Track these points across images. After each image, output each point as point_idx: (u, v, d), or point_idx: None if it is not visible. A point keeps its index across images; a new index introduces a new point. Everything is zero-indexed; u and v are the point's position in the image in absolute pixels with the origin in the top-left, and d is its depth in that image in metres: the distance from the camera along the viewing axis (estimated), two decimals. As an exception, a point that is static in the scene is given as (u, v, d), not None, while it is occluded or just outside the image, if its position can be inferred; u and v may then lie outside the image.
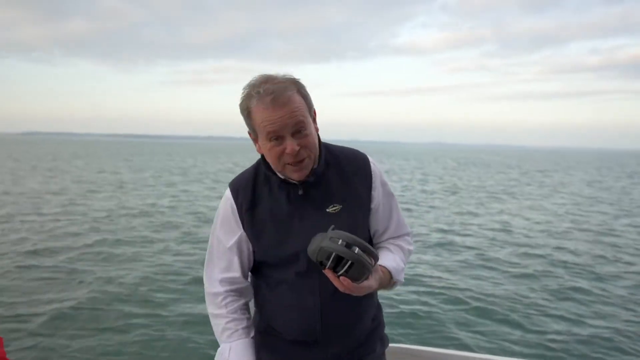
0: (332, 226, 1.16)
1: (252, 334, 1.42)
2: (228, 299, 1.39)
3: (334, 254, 1.08)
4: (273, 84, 1.19)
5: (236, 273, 1.37)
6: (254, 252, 1.36)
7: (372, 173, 1.35)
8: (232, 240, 1.35)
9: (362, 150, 1.42)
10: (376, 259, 1.15)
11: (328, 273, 1.11)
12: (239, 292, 1.42)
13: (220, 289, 1.39)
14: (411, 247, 1.46)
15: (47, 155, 46.91)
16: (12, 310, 5.44)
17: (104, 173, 25.80)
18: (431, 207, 14.78)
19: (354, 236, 1.11)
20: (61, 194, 15.86)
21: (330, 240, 1.10)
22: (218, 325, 1.40)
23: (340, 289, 1.11)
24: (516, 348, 4.73)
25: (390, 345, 1.60)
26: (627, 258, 8.40)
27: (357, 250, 1.09)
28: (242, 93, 1.24)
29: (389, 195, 1.40)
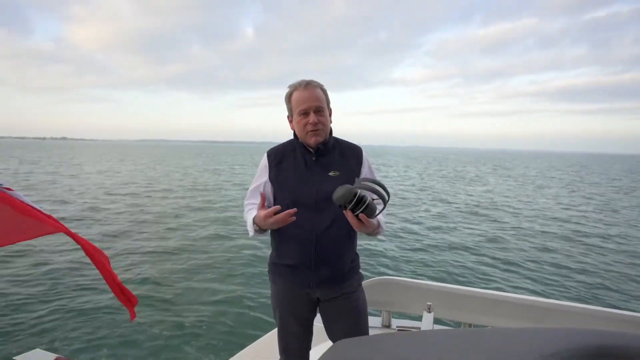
0: (357, 178, 1.54)
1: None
2: (250, 206, 1.94)
3: (359, 193, 1.48)
4: (307, 81, 1.83)
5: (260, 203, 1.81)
6: (274, 197, 1.87)
7: (363, 157, 1.89)
8: (260, 182, 1.92)
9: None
10: (385, 200, 1.53)
11: (348, 213, 1.54)
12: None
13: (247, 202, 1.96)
14: (384, 217, 1.84)
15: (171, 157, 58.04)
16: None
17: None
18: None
19: (376, 179, 1.53)
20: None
21: (358, 186, 1.48)
22: (246, 214, 1.92)
23: (356, 225, 1.59)
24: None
25: (381, 277, 2.20)
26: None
27: (369, 196, 1.48)
28: (288, 88, 1.83)
29: (373, 174, 1.89)
